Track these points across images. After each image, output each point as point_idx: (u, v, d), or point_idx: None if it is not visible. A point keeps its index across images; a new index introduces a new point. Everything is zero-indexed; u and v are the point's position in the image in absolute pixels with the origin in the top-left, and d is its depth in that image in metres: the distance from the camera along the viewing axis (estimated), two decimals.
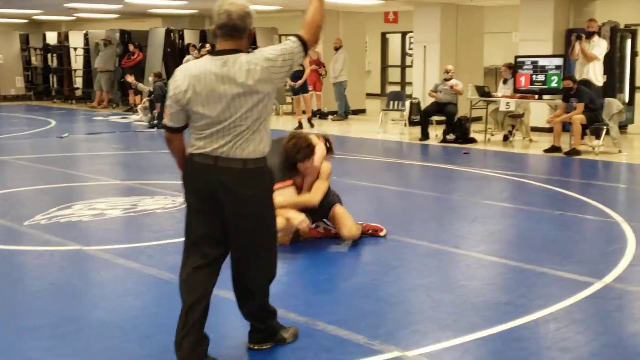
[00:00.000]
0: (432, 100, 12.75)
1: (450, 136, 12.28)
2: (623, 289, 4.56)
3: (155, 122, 14.52)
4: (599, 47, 11.73)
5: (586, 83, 11.32)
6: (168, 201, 7.22)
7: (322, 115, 16.50)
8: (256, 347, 3.66)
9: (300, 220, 5.22)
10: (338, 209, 5.50)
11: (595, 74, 11.70)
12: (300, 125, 14.36)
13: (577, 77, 11.45)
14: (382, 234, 5.75)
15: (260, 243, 3.44)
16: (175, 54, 19.13)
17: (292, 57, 3.28)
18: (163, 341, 3.71)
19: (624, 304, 4.35)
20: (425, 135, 12.61)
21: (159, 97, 14.16)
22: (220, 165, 3.24)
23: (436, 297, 4.46)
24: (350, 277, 4.99)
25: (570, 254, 5.38)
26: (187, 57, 18.10)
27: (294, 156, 5.24)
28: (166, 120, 3.37)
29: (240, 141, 3.23)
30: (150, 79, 15.45)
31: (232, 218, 3.31)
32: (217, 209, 3.30)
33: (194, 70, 3.26)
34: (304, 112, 14.86)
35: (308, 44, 3.32)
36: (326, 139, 5.64)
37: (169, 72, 19.40)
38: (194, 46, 17.94)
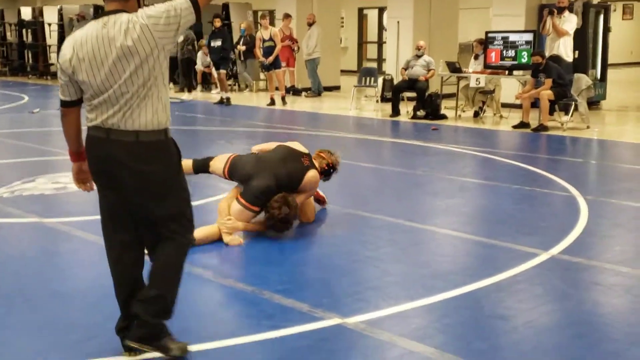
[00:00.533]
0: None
1: (421, 112, 12.34)
2: (569, 260, 4.66)
3: None
4: (570, 22, 11.77)
5: (556, 59, 11.39)
6: None
7: (295, 92, 16.49)
8: (134, 346, 3.13)
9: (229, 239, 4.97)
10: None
11: (565, 49, 11.75)
12: (272, 102, 14.37)
13: (548, 52, 11.53)
14: (324, 205, 5.87)
15: (164, 227, 3.11)
16: None
17: (179, 16, 2.95)
18: (109, 309, 3.76)
19: (566, 275, 4.44)
20: (396, 112, 12.67)
21: None
22: (112, 138, 3.00)
23: (384, 268, 4.54)
24: (301, 250, 5.05)
25: (522, 227, 5.48)
26: None
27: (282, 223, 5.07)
28: (59, 93, 3.12)
29: (129, 111, 2.97)
30: None
31: (132, 197, 3.08)
32: (116, 187, 3.07)
33: (77, 36, 3.00)
34: (277, 89, 14.84)
35: (200, 4, 2.99)
36: (331, 165, 5.60)
37: None
38: None
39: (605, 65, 13.78)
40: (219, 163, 5.34)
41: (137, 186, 3.04)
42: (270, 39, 14.35)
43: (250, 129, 11.25)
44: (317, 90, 16.44)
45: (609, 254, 4.83)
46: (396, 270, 4.49)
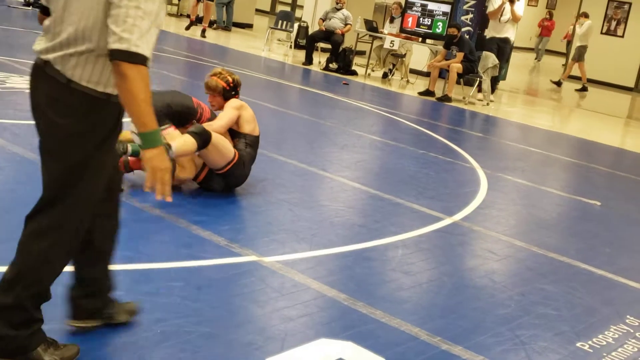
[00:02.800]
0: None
1: (333, 65, 12.44)
2: (469, 227, 4.94)
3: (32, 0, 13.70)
4: (520, 8, 12.17)
5: (505, 41, 11.99)
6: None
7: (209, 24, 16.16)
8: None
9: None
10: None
11: (513, 33, 12.19)
12: (191, 24, 14.00)
13: (494, 34, 12.03)
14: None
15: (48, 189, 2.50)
16: None
17: None
18: (21, 216, 3.67)
19: (467, 241, 4.72)
20: (309, 61, 12.69)
21: None
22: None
23: (297, 212, 4.65)
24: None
25: (426, 190, 5.73)
26: None
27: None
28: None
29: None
30: None
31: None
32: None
33: None
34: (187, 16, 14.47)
35: None
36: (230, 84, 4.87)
37: None
38: None
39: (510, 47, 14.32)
40: None
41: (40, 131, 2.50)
42: None
43: (159, 54, 10.95)
44: (226, 23, 16.14)
45: (505, 226, 5.15)
46: (308, 215, 4.61)
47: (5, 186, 4.14)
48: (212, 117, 4.89)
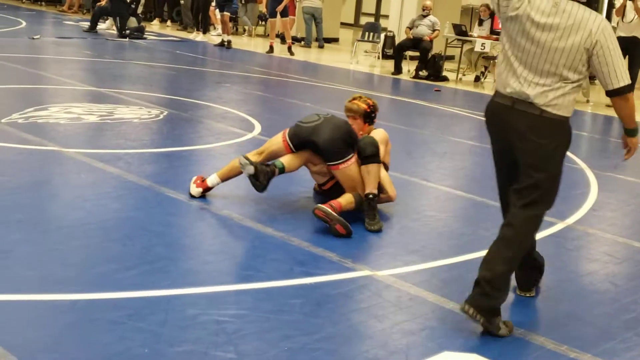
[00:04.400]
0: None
1: (423, 72, 12.38)
2: (584, 230, 4.81)
3: (127, 31, 14.29)
4: None
5: (633, 41, 10.73)
6: (144, 112, 7.23)
7: (296, 40, 16.40)
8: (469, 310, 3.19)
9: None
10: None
11: None
12: (271, 49, 14.27)
13: (620, 34, 10.74)
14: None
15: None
16: None
17: None
18: (144, 243, 3.85)
19: (582, 245, 4.60)
20: (398, 70, 12.68)
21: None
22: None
23: (405, 224, 4.65)
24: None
25: None
26: None
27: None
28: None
29: None
30: None
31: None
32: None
33: None
34: (277, 36, 14.71)
35: None
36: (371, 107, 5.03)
37: None
38: None
39: None
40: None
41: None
42: None
43: (252, 74, 11.21)
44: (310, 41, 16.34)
45: (620, 227, 4.98)
46: (416, 227, 4.59)
47: (124, 214, 4.33)
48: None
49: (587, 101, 11.12)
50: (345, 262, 3.87)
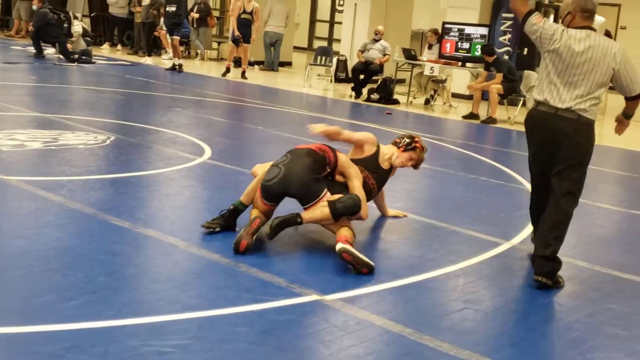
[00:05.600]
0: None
1: (375, 96, 12.49)
2: (529, 250, 4.85)
3: (76, 56, 14.12)
4: (599, 27, 11.54)
5: None
6: (90, 137, 7.13)
7: (249, 64, 16.42)
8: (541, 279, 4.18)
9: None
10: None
11: None
12: (227, 70, 14.26)
13: None
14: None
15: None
16: None
17: None
18: (86, 272, 3.76)
19: (528, 265, 4.63)
20: (358, 93, 12.74)
21: (39, 23, 13.73)
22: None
23: (354, 247, 4.63)
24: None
25: (481, 216, 5.67)
26: None
27: None
28: None
29: None
30: (34, 6, 14.75)
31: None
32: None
33: None
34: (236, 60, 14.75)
35: None
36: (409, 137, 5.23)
37: (92, 7, 18.79)
38: None
39: None
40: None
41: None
42: (251, 12, 14.17)
43: (205, 99, 11.16)
44: (271, 64, 16.41)
45: (564, 247, 5.02)
46: (365, 250, 4.59)
47: (66, 242, 4.23)
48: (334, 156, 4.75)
49: None
50: (293, 288, 3.84)
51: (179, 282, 3.80)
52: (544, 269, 4.19)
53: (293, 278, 3.96)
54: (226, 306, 3.54)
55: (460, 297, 3.96)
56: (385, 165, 5.10)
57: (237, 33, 14.12)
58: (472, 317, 3.71)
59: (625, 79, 4.24)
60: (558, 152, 4.23)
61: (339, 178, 4.77)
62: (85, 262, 3.93)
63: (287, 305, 3.63)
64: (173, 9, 14.12)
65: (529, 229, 5.34)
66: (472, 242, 4.98)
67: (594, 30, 4.30)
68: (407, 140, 5.16)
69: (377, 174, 5.04)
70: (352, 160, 4.90)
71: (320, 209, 4.37)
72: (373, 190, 5.02)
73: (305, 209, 4.48)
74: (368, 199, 4.94)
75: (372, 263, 4.16)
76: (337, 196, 4.48)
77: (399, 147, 5.15)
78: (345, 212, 4.40)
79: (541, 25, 4.29)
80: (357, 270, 4.13)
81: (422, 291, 4.03)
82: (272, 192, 4.52)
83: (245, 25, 14.14)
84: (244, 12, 14.11)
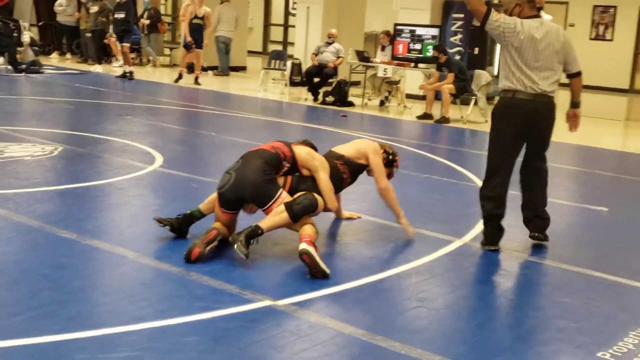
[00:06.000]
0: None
1: (330, 98, 12.51)
2: (480, 247, 4.91)
3: (24, 66, 13.85)
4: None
5: None
6: (37, 149, 6.99)
7: (202, 70, 16.30)
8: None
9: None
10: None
11: None
12: (180, 77, 14.13)
13: None
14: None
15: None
16: None
17: None
18: (31, 287, 3.68)
19: (479, 261, 4.69)
20: (315, 96, 12.73)
21: None
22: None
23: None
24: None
25: (434, 214, 5.71)
26: (60, 0, 17.33)
27: None
28: None
29: None
30: None
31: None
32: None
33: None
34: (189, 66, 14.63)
35: None
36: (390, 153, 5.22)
37: (40, 16, 18.46)
38: None
39: None
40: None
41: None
42: (203, 17, 14.03)
43: (156, 105, 11.04)
44: (225, 69, 16.33)
45: (515, 242, 5.11)
46: (319, 252, 4.57)
47: (11, 257, 4.14)
48: (290, 151, 4.73)
49: (486, 121, 11.47)
50: (245, 294, 3.80)
51: (127, 294, 3.74)
52: (540, 225, 4.95)
53: (245, 284, 3.93)
54: (177, 316, 3.49)
55: (413, 296, 3.97)
56: (362, 161, 5.07)
57: (188, 39, 13.98)
58: (424, 316, 3.72)
59: (570, 55, 4.79)
60: (533, 132, 4.80)
61: (306, 172, 4.74)
62: (31, 276, 3.85)
63: (239, 312, 3.59)
64: (122, 15, 13.96)
65: (480, 225, 5.39)
66: (425, 240, 5.01)
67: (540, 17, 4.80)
68: (391, 158, 5.18)
69: (352, 165, 5.03)
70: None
71: (279, 215, 4.33)
72: (346, 181, 5.01)
73: (264, 211, 4.44)
74: (340, 189, 5.00)
75: (328, 270, 4.14)
76: (298, 194, 4.47)
77: (383, 159, 5.11)
78: (304, 213, 4.37)
79: (502, 21, 4.64)
80: (312, 275, 4.11)
81: (376, 292, 4.03)
82: (226, 199, 4.48)
83: (197, 30, 14.01)
84: (196, 17, 13.98)
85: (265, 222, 4.33)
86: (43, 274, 3.88)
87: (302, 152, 4.74)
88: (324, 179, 4.68)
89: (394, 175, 5.26)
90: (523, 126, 4.77)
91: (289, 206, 4.35)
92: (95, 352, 3.06)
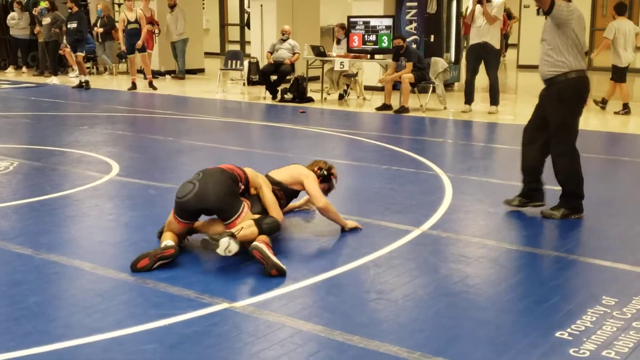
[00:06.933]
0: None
1: (288, 95, 12.49)
2: (438, 235, 4.95)
3: None
4: (497, 7, 10.74)
5: (484, 46, 10.72)
6: None
7: (159, 74, 16.18)
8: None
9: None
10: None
11: (493, 36, 10.83)
12: (134, 86, 13.99)
13: (472, 41, 10.94)
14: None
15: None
16: None
17: None
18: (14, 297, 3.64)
19: (438, 249, 4.72)
20: (274, 95, 12.69)
21: None
22: None
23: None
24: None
25: (392, 205, 5.74)
26: (12, 14, 17.08)
27: None
28: None
29: None
30: None
31: None
32: None
33: None
34: (139, 72, 14.46)
35: None
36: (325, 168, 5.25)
37: None
38: (19, 2, 16.90)
39: (459, 48, 14.49)
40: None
41: None
42: (136, 21, 13.88)
43: (113, 114, 10.93)
44: (183, 72, 16.22)
45: (474, 228, 5.17)
46: (277, 252, 4.58)
47: None
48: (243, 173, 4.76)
49: (445, 108, 11.56)
50: (202, 299, 3.79)
51: (83, 306, 3.71)
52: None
53: (203, 289, 3.92)
54: (133, 325, 3.48)
55: (371, 289, 3.99)
56: (297, 187, 5.13)
57: (122, 48, 14.00)
58: (382, 307, 3.74)
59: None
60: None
61: (252, 191, 4.81)
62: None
63: (197, 317, 3.58)
64: (74, 25, 13.80)
65: (438, 213, 5.45)
66: (384, 232, 5.03)
67: None
68: (325, 173, 5.20)
69: (287, 191, 5.13)
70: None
71: (250, 229, 4.35)
72: (281, 201, 5.05)
73: (227, 225, 4.42)
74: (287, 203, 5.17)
75: (282, 266, 4.15)
76: (256, 216, 4.54)
77: (318, 177, 5.13)
78: (270, 232, 4.45)
79: (564, 6, 5.15)
80: (266, 272, 4.11)
81: (334, 287, 4.04)
82: (187, 209, 4.44)
83: (134, 35, 13.81)
84: (129, 22, 13.83)
85: (239, 233, 4.29)
86: None
87: (250, 172, 4.81)
88: (268, 193, 4.80)
89: (335, 187, 5.31)
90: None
91: (259, 225, 4.39)
92: None
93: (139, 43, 13.79)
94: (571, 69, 5.19)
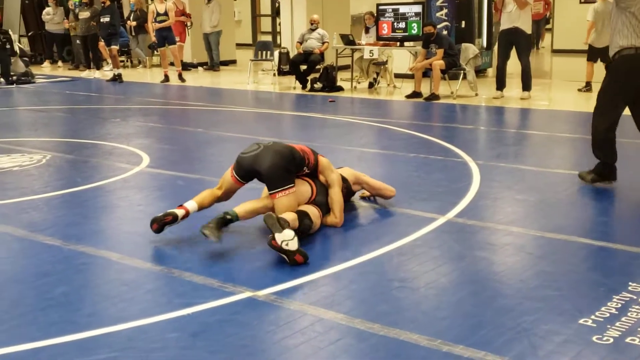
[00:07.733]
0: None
1: (318, 85, 12.49)
2: (464, 222, 4.91)
3: (14, 77, 13.89)
4: None
5: (516, 31, 10.60)
6: (25, 158, 7.03)
7: (192, 66, 16.31)
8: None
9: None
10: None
11: (525, 22, 10.67)
12: (166, 78, 14.13)
13: (503, 27, 10.76)
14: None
15: None
16: (33, 5, 18.26)
17: None
18: (13, 296, 3.72)
19: (463, 237, 4.69)
20: (303, 85, 12.71)
21: None
22: None
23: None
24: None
25: (419, 193, 5.71)
26: (47, 9, 17.36)
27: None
28: None
29: None
30: None
31: None
32: None
33: None
34: (171, 64, 14.59)
35: None
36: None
37: (29, 26, 18.48)
38: None
39: (490, 34, 14.32)
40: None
41: None
42: (165, 13, 14.01)
43: (146, 106, 11.05)
44: (218, 64, 16.33)
45: (500, 215, 5.12)
46: (302, 240, 4.59)
47: None
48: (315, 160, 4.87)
49: (476, 95, 11.45)
50: (226, 287, 3.83)
51: (109, 295, 3.77)
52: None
53: (226, 278, 3.95)
54: (157, 314, 3.52)
55: (394, 277, 3.99)
56: (356, 187, 5.37)
57: (152, 39, 14.09)
58: (404, 295, 3.74)
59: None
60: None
61: (321, 178, 4.92)
62: (14, 285, 3.89)
63: (220, 306, 3.62)
64: (107, 19, 13.97)
65: (465, 201, 5.41)
66: (410, 220, 5.02)
67: None
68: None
69: (348, 190, 5.22)
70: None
71: (293, 215, 4.44)
72: (345, 198, 5.15)
73: (270, 194, 4.58)
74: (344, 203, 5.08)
75: (303, 250, 4.16)
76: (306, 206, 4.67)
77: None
78: (304, 231, 4.51)
79: None
80: (290, 261, 4.13)
81: (357, 275, 4.04)
82: (242, 165, 4.62)
83: (165, 27, 13.97)
84: (158, 14, 13.95)
85: (284, 215, 4.38)
86: (27, 282, 3.92)
87: (325, 163, 4.91)
88: (337, 193, 4.87)
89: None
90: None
91: (301, 218, 4.49)
92: (75, 356, 3.09)
93: (159, 26, 13.88)
94: (625, 46, 5.51)
